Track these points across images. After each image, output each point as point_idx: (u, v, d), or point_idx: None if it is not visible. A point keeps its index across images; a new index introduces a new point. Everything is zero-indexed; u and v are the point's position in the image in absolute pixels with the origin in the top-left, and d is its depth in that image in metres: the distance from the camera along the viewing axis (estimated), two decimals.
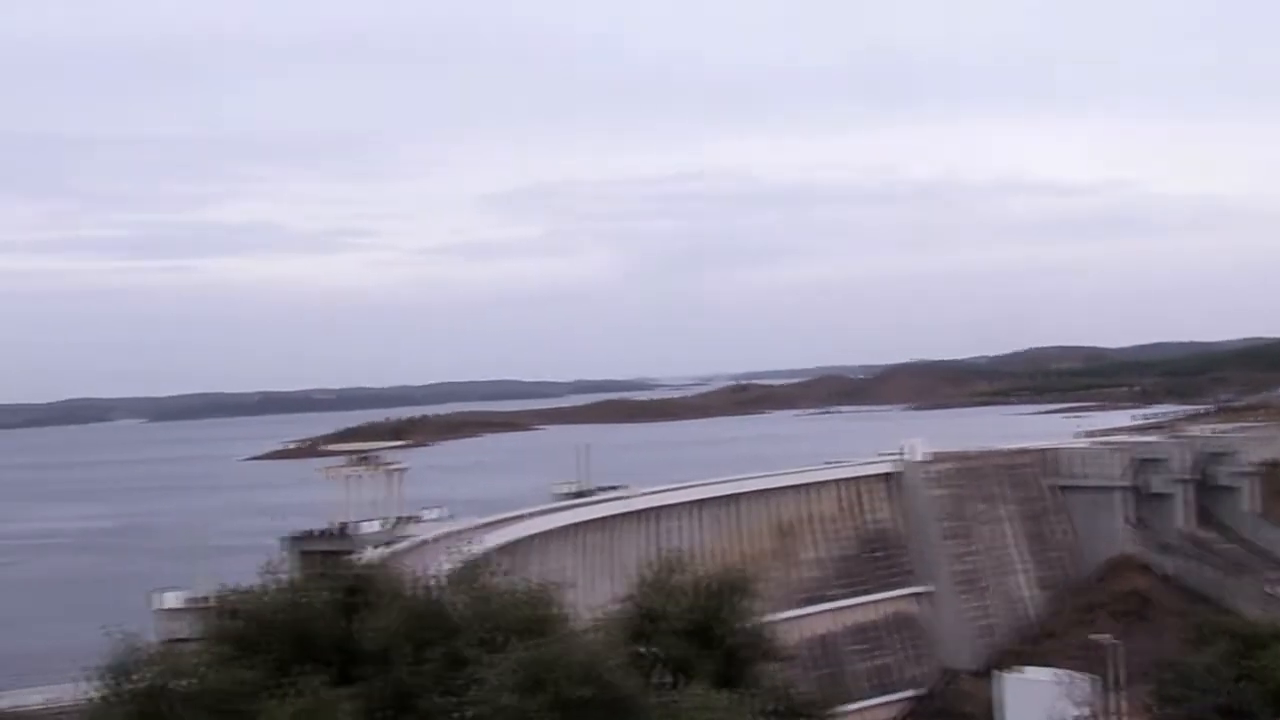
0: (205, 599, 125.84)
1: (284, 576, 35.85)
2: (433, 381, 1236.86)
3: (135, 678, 30.43)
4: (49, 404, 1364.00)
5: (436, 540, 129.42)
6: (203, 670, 30.21)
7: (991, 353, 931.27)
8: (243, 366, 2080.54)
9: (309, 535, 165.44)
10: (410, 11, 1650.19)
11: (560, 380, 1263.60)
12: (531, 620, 33.68)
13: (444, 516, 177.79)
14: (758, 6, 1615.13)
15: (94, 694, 31.41)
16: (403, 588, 36.24)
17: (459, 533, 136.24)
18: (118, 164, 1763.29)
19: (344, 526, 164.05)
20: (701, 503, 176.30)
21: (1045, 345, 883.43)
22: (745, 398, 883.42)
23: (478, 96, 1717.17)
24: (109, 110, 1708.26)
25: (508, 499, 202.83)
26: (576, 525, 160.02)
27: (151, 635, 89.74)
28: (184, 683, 29.92)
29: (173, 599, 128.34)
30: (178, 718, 29.29)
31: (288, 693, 29.25)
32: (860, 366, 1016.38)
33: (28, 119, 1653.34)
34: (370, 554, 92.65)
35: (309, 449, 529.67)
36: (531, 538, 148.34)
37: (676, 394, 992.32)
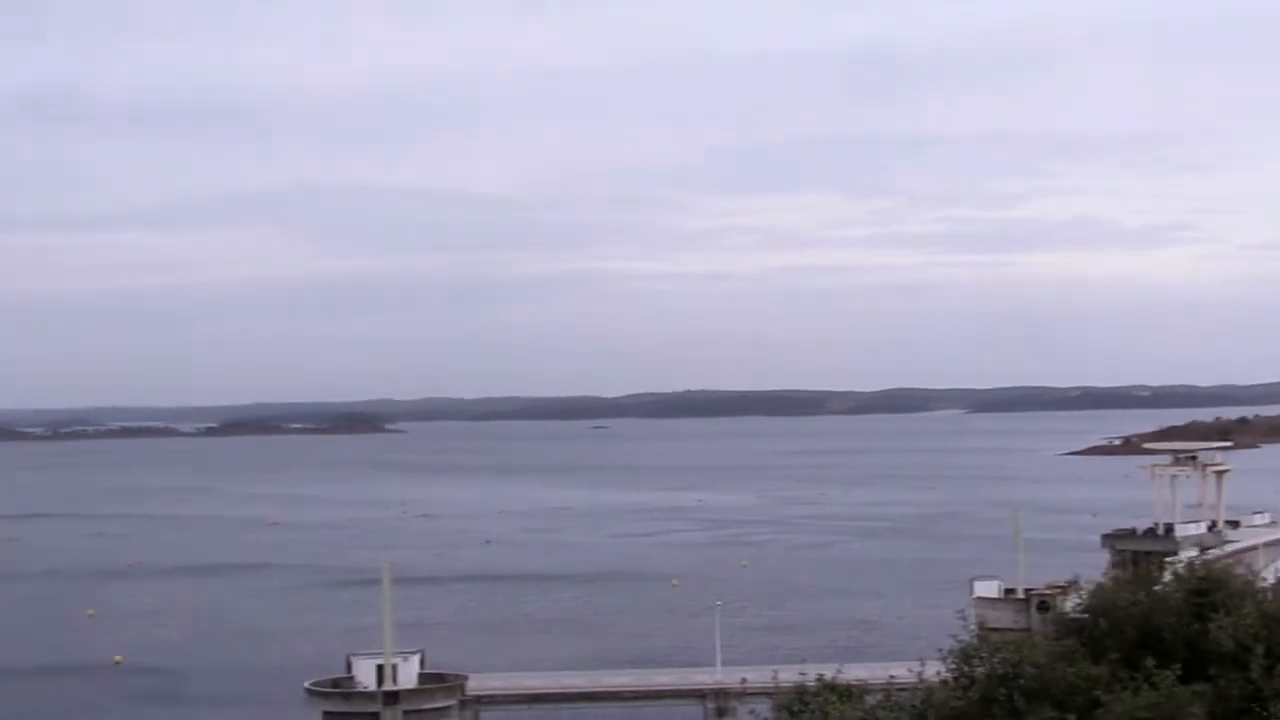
0: (1020, 590, 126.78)
1: (1122, 575, 35.42)
2: (1262, 381, 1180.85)
3: (981, 664, 30.78)
4: (874, 392, 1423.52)
5: (1265, 546, 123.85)
6: (1049, 662, 30.18)
7: None
8: (1061, 361, 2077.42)
9: (1128, 534, 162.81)
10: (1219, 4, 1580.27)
11: None
12: None
13: (1271, 521, 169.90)
14: None
15: (938, 675, 32.11)
16: (1256, 591, 34.79)
17: None
18: (938, 162, 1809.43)
19: (1165, 527, 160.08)
20: None
21: None
22: None
23: None
24: (932, 111, 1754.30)
25: None
26: None
27: (969, 622, 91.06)
28: (1029, 672, 30.00)
29: (989, 588, 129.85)
30: (1021, 707, 29.43)
31: (1138, 687, 28.83)
32: None
33: (858, 122, 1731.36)
34: (1193, 555, 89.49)
35: (1128, 446, 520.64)
36: None
37: None
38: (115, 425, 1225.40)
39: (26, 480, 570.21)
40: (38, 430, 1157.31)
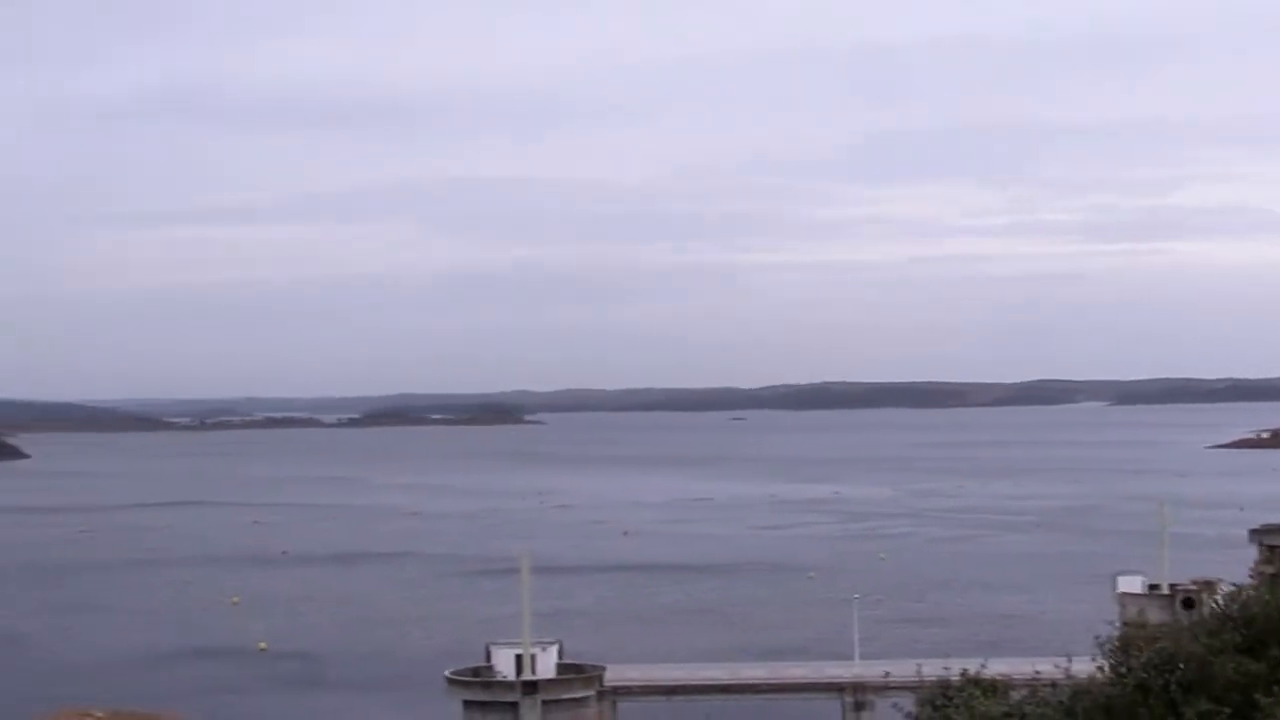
0: (1165, 585, 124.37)
1: (1265, 572, 34.58)
2: None
3: (1139, 658, 30.18)
4: (1015, 384, 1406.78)
5: None
6: (1208, 659, 29.49)
7: None
8: (1208, 352, 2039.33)
9: (1276, 529, 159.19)
10: None
11: None
12: None
13: None
14: None
15: (1092, 661, 31.61)
16: None
17: None
18: (1079, 150, 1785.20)
19: None
20: None
21: None
22: None
23: None
24: (1072, 98, 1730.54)
25: None
26: None
27: (1114, 617, 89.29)
28: (1186, 668, 29.35)
29: (1133, 583, 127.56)
30: (1178, 698, 28.82)
31: None
32: None
33: (994, 110, 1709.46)
34: None
35: (1277, 439, 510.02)
36: None
37: None
38: (259, 416, 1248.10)
39: (178, 469, 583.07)
40: (184, 420, 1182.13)
